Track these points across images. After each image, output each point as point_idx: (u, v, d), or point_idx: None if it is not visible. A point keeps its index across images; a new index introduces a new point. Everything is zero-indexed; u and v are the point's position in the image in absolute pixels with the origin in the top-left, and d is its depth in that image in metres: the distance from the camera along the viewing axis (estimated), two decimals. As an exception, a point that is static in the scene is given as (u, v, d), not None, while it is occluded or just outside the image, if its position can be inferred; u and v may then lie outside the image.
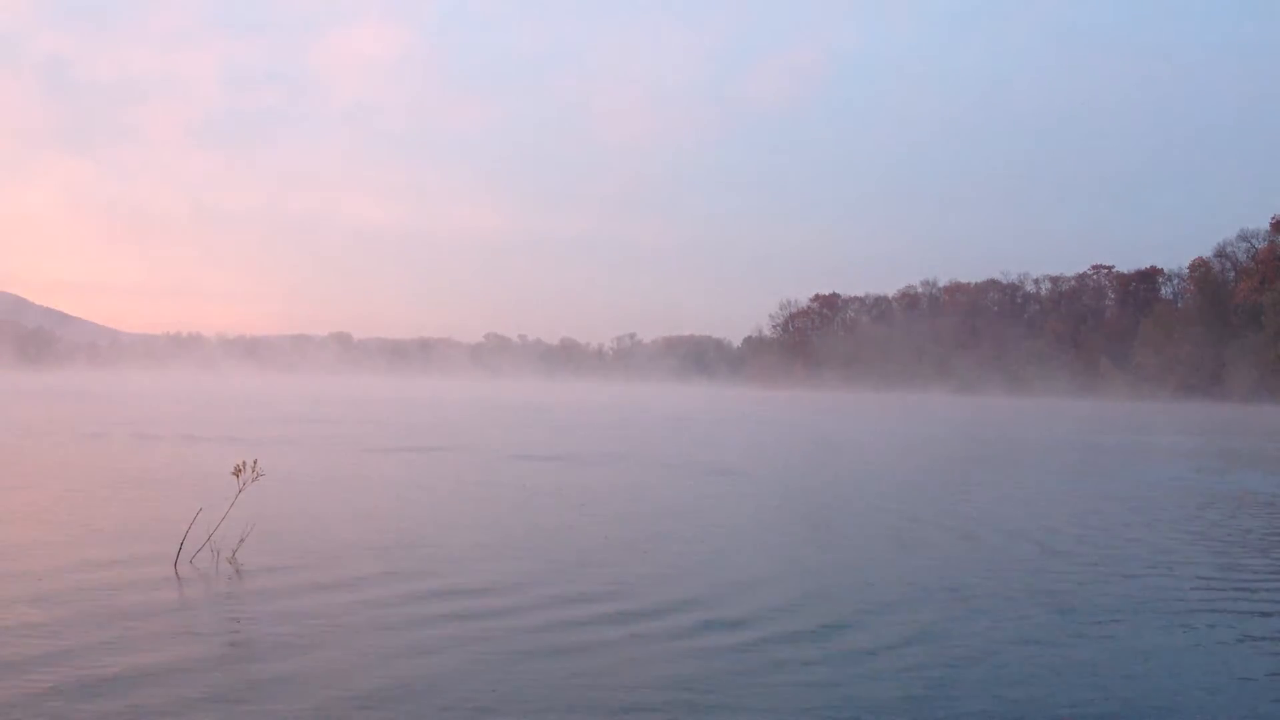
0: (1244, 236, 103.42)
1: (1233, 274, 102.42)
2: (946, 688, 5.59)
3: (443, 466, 17.73)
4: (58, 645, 6.06)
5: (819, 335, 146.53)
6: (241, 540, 8.97)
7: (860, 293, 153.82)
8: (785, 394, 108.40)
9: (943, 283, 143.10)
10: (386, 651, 6.11)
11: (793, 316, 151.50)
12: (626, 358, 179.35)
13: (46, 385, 71.23)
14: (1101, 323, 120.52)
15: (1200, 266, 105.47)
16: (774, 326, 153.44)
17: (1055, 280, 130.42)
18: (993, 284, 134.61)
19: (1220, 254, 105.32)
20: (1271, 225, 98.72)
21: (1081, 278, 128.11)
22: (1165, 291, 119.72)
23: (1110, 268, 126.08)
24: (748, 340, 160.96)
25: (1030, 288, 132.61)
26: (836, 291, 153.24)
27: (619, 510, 12.62)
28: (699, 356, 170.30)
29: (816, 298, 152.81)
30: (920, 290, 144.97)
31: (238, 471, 9.02)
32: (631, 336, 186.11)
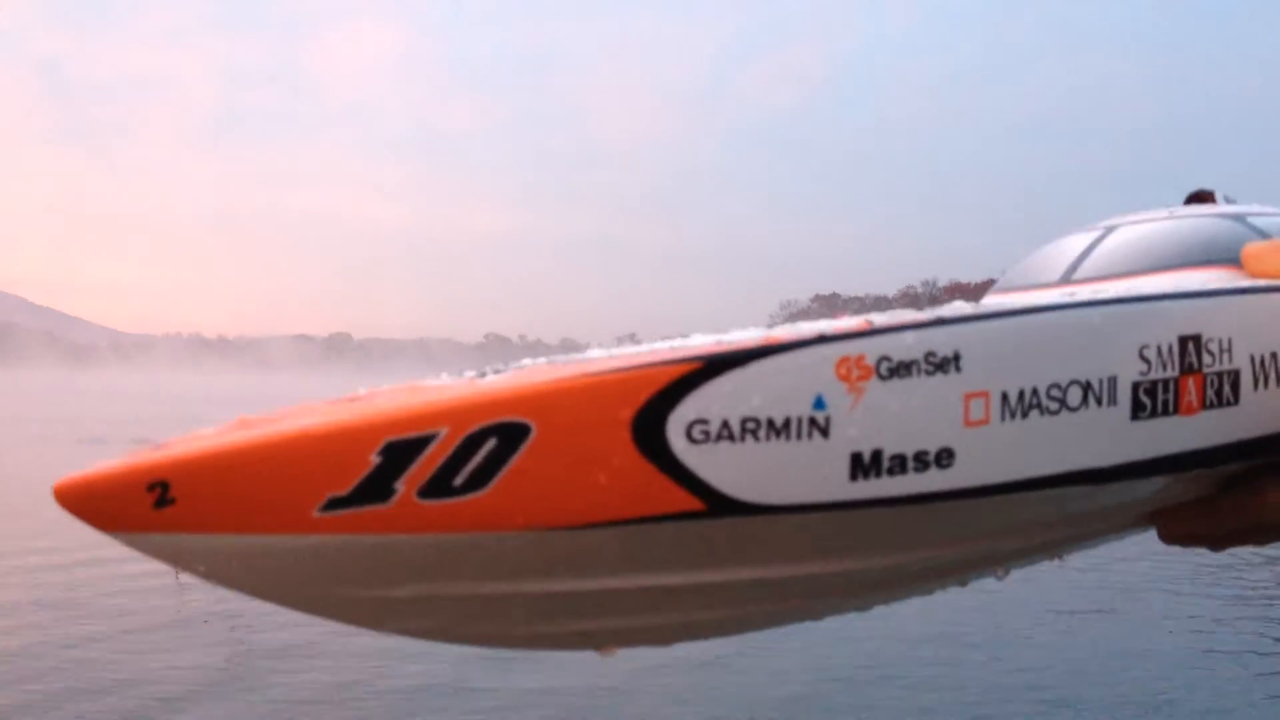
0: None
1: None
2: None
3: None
4: (57, 643, 6.08)
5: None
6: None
7: (860, 293, 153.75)
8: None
9: (943, 283, 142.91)
10: (385, 650, 6.16)
11: (792, 316, 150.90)
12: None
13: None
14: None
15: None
16: (774, 327, 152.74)
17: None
18: (993, 284, 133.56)
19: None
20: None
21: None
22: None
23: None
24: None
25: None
26: (836, 291, 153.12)
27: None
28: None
29: (816, 298, 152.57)
30: (920, 290, 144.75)
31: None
32: (631, 336, 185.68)
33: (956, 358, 0.50)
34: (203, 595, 7.82)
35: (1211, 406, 0.62)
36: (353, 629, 0.52)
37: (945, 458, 0.50)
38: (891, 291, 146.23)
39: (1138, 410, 0.57)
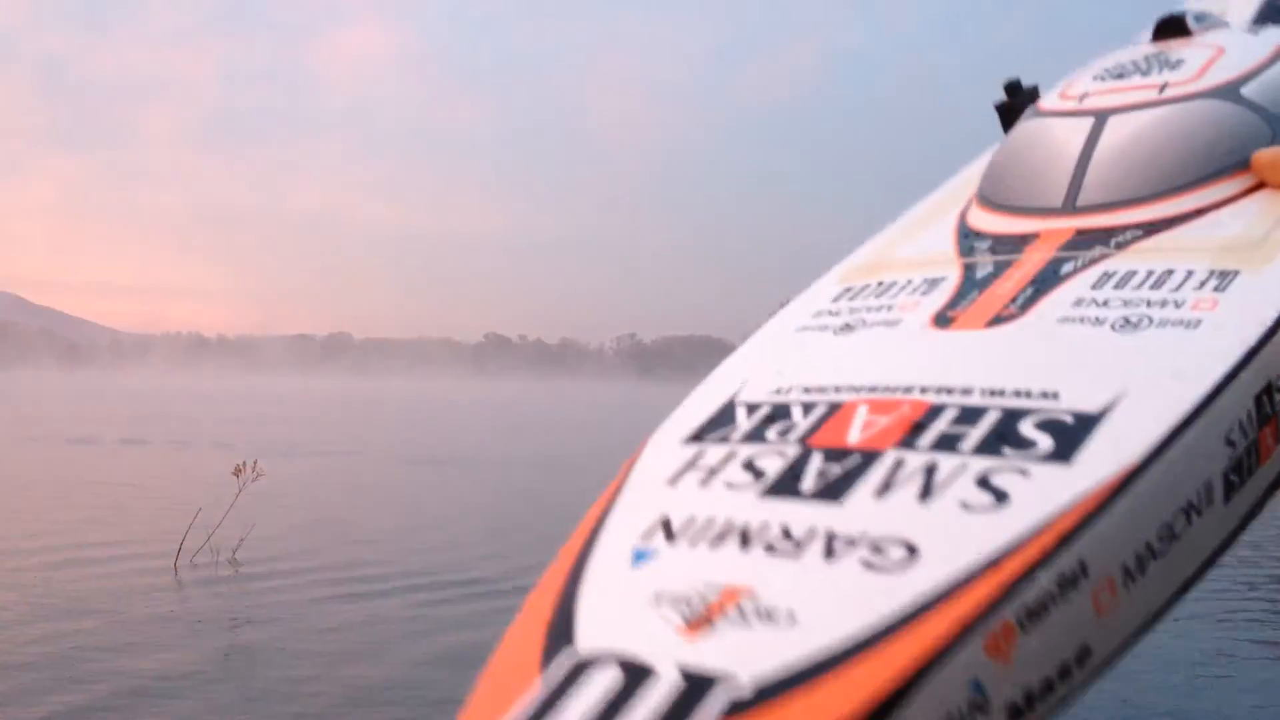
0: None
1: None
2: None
3: (417, 471, 17.72)
4: (55, 644, 6.03)
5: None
6: (241, 540, 8.94)
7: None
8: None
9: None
10: (385, 647, 6.09)
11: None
12: (627, 358, 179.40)
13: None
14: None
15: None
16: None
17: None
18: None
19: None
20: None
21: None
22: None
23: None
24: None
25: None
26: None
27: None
28: (699, 356, 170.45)
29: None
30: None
31: (238, 471, 8.97)
32: (631, 336, 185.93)
33: (1083, 567, 0.51)
34: (201, 593, 7.73)
35: None
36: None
37: (1084, 655, 0.51)
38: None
39: (1230, 492, 0.57)
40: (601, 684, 0.51)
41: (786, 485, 0.59)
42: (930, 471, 0.55)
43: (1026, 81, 1.09)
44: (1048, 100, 0.91)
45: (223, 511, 9.10)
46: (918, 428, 0.59)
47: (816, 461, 0.60)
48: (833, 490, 0.57)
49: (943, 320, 0.75)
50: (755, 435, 0.69)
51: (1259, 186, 0.76)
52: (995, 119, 1.14)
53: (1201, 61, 0.85)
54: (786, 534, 0.55)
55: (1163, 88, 0.84)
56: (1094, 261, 0.71)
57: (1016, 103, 1.06)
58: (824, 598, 0.51)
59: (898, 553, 0.51)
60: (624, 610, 0.57)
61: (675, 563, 0.59)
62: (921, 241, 0.92)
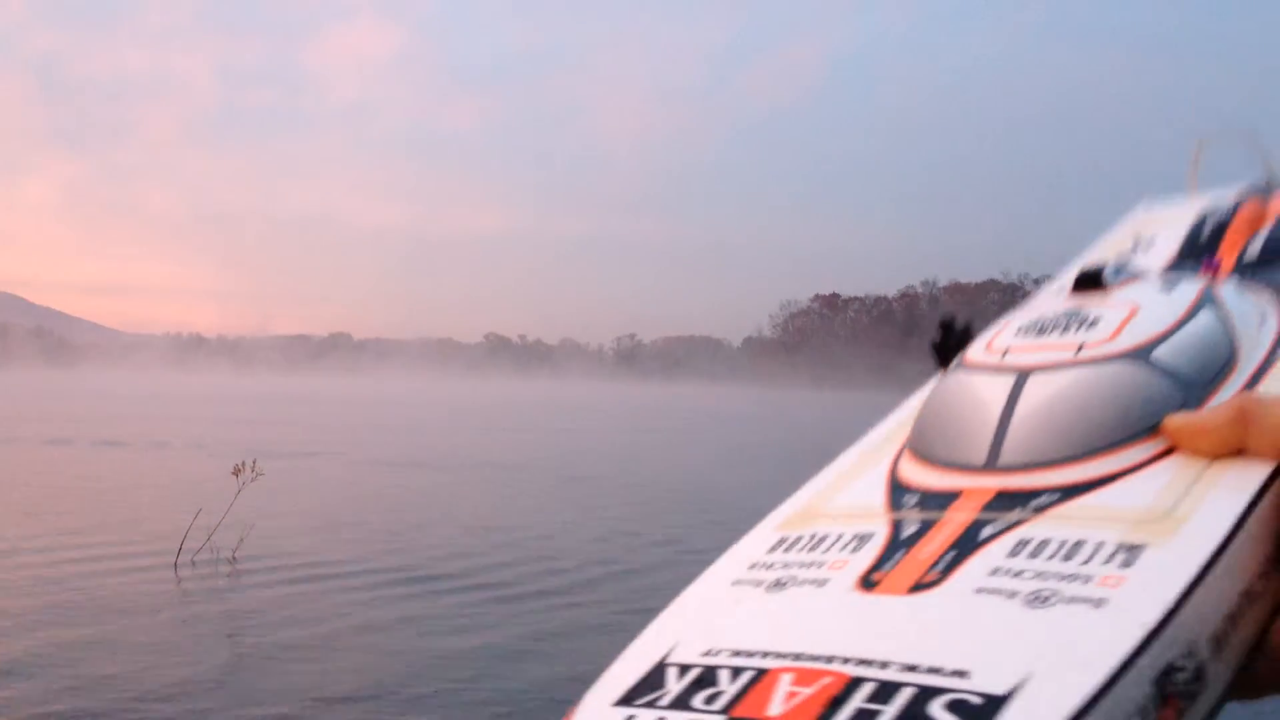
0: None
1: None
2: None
3: (411, 470, 17.74)
4: (55, 644, 6.03)
5: (819, 335, 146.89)
6: (241, 540, 8.95)
7: (860, 293, 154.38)
8: (781, 395, 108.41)
9: (943, 283, 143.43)
10: (387, 647, 6.10)
11: (793, 316, 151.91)
12: (627, 358, 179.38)
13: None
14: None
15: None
16: (774, 326, 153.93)
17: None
18: (993, 284, 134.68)
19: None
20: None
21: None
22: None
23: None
24: (748, 340, 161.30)
25: (1030, 287, 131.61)
26: (836, 291, 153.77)
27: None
28: (699, 357, 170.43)
29: (816, 298, 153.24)
30: (920, 290, 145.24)
31: (237, 471, 8.99)
32: (632, 337, 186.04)
33: None
34: (203, 594, 7.74)
35: None
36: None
37: None
38: (892, 291, 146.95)
39: None
40: None
41: None
42: None
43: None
44: (974, 352, 0.85)
45: (217, 511, 9.21)
46: (835, 702, 0.49)
47: None
48: None
49: (868, 583, 0.70)
50: (683, 701, 0.68)
51: (1169, 451, 0.76)
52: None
53: (1117, 321, 0.80)
54: None
55: (1079, 348, 0.81)
56: (1012, 526, 0.60)
57: (950, 342, 1.02)
58: None
59: None
60: None
61: None
62: (856, 490, 0.82)
